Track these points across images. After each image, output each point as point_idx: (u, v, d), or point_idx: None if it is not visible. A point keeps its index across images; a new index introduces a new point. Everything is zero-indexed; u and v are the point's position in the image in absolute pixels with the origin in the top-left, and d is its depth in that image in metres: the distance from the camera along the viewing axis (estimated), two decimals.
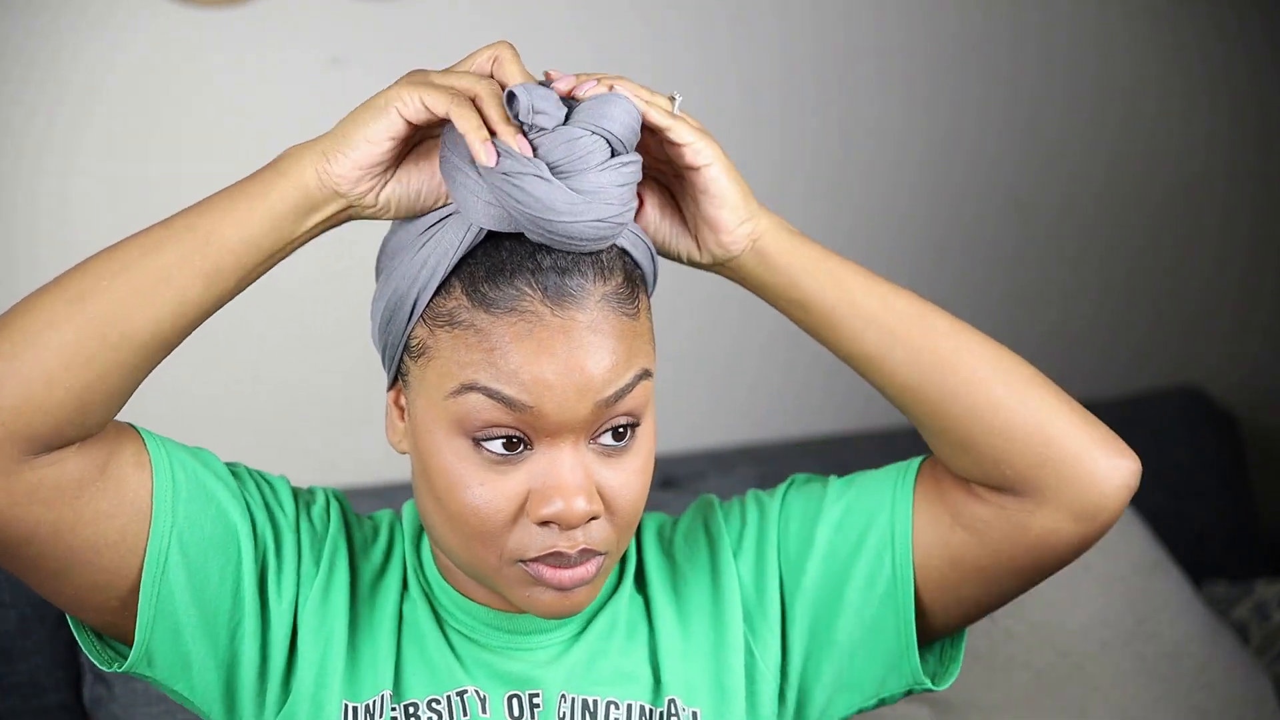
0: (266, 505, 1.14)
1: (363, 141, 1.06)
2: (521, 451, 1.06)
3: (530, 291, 1.04)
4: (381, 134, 1.06)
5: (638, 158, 1.06)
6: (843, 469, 2.24)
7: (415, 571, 1.18)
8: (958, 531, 1.13)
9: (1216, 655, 2.02)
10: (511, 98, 1.05)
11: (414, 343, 1.09)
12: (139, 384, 1.06)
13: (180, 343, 1.07)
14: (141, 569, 1.07)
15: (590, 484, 1.06)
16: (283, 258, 1.09)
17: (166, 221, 1.06)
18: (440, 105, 1.05)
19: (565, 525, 1.06)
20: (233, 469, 1.14)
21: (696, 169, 1.10)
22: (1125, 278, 2.62)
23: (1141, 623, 2.03)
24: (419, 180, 1.09)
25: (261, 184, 1.06)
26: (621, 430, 1.07)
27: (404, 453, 1.14)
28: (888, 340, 1.12)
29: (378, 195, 1.08)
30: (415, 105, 1.05)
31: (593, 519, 1.07)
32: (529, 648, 1.15)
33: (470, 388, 1.05)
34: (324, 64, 2.11)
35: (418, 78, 1.07)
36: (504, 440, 1.06)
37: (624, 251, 1.09)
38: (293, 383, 2.16)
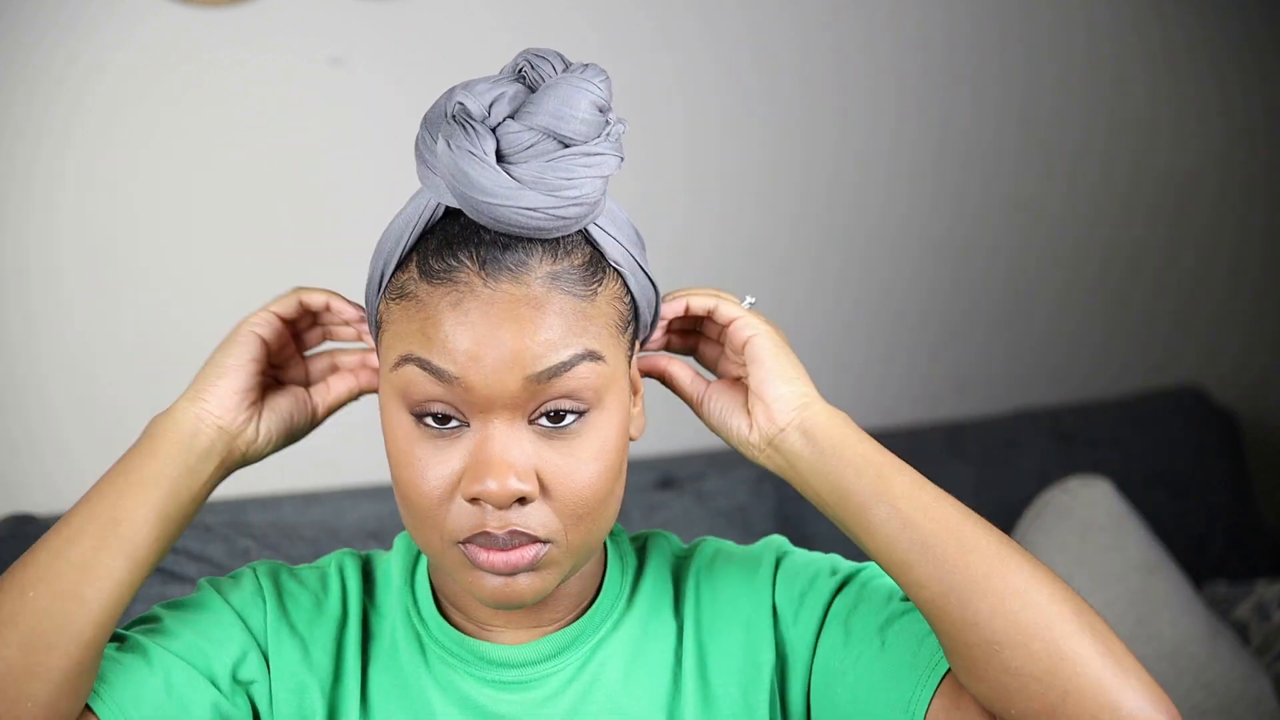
0: (212, 643, 1.12)
1: (229, 370, 1.12)
2: (458, 427, 1.05)
3: (469, 263, 1.04)
4: (243, 356, 1.13)
5: (604, 150, 1.05)
6: None
7: (407, 610, 1.16)
8: None
9: (1216, 655, 2.02)
10: (462, 108, 1.05)
11: (380, 318, 1.09)
12: (96, 673, 1.06)
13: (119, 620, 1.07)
14: None
15: (525, 464, 1.04)
16: (191, 517, 1.11)
17: (67, 519, 1.07)
18: (289, 305, 1.14)
19: (492, 503, 1.04)
20: (156, 636, 1.11)
21: (745, 340, 1.12)
22: (1125, 278, 2.62)
23: (1141, 623, 2.03)
24: (287, 403, 1.16)
25: (145, 454, 1.09)
26: (561, 414, 1.05)
27: None
28: (919, 549, 1.05)
29: (257, 427, 1.13)
30: (265, 317, 1.14)
31: (522, 500, 1.04)
32: (525, 681, 1.13)
33: (407, 359, 1.05)
34: (324, 64, 2.11)
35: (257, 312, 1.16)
36: (441, 415, 1.05)
37: (592, 242, 1.07)
38: None
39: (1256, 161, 2.66)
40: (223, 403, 1.11)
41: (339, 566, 1.19)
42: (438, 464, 1.05)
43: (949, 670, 1.07)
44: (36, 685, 1.01)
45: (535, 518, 1.05)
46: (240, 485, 2.01)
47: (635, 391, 1.15)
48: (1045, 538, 2.10)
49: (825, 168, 2.40)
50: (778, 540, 1.19)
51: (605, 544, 1.18)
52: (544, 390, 1.04)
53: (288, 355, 1.17)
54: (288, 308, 1.14)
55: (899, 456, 1.11)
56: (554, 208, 1.03)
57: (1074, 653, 1.00)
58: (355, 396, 1.18)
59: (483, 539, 1.05)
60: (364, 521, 1.98)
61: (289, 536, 1.90)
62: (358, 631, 1.15)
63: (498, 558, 1.05)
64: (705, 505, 2.08)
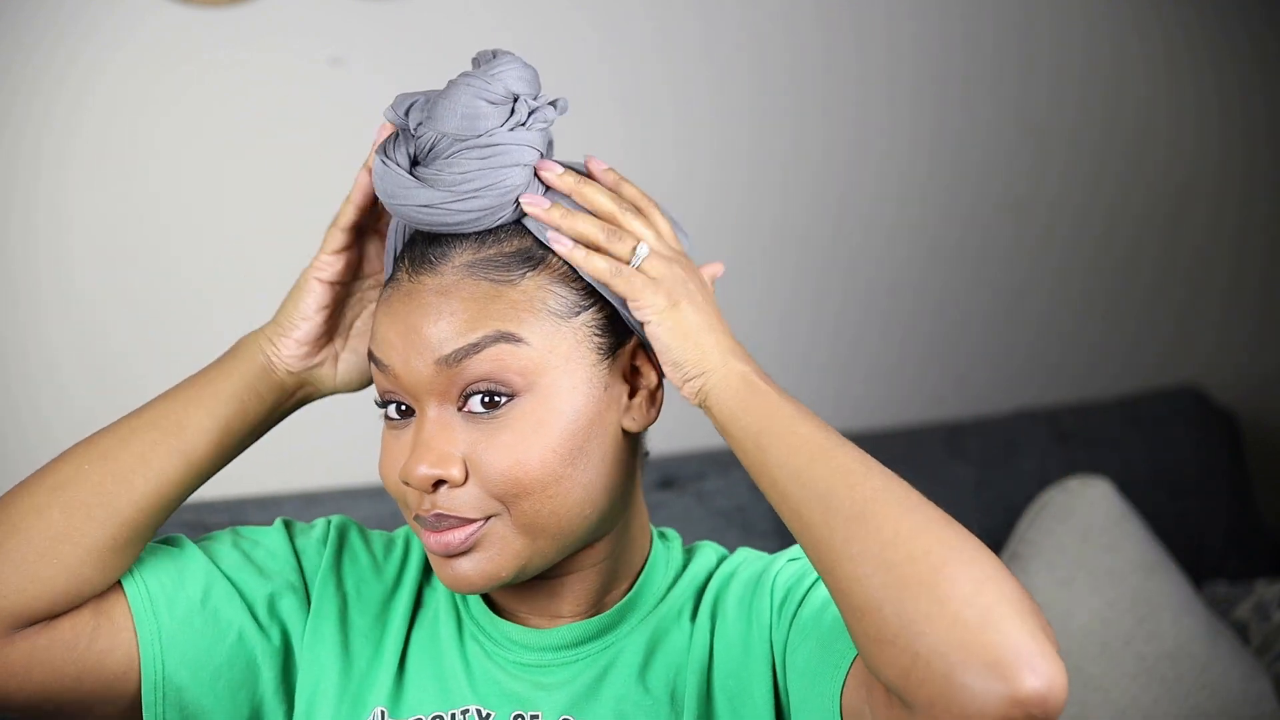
0: (262, 573, 1.17)
1: (299, 320, 1.16)
2: (409, 417, 1.10)
3: (406, 264, 1.11)
4: (311, 308, 1.16)
5: (506, 140, 1.08)
6: None
7: None
8: (868, 712, 1.03)
9: (1216, 655, 2.02)
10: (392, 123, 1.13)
11: None
12: (132, 559, 1.12)
13: (167, 517, 1.13)
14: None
15: (446, 449, 1.07)
16: (259, 436, 1.18)
17: (139, 412, 1.14)
18: (336, 239, 1.16)
19: (415, 487, 1.08)
20: (209, 550, 1.17)
21: (642, 324, 1.11)
22: (1125, 278, 2.62)
23: (1141, 623, 2.03)
24: (362, 340, 1.19)
25: (222, 371, 1.16)
26: (492, 399, 1.07)
27: None
28: (795, 522, 1.03)
29: (335, 370, 1.18)
30: (323, 260, 1.16)
31: (441, 483, 1.08)
32: (542, 665, 1.15)
33: (367, 356, 1.13)
34: (324, 64, 2.11)
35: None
36: (400, 407, 1.10)
37: (528, 230, 1.11)
38: None
39: (1257, 161, 2.66)
40: (294, 353, 1.15)
41: (406, 537, 1.24)
42: (395, 452, 1.10)
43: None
44: (67, 548, 1.08)
45: (462, 499, 1.08)
46: (240, 485, 2.01)
47: (636, 383, 1.15)
48: (1045, 538, 2.10)
49: (824, 167, 2.40)
50: (794, 549, 1.18)
51: (654, 545, 1.20)
52: (458, 374, 1.07)
53: (372, 268, 1.20)
54: (339, 242, 1.17)
55: (898, 455, 1.09)
56: (448, 202, 1.08)
57: (924, 613, 0.95)
58: None
59: (418, 521, 1.10)
60: (364, 521, 1.97)
61: None
62: (409, 599, 1.19)
63: (432, 539, 1.09)
64: (705, 505, 2.08)
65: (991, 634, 0.93)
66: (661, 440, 2.08)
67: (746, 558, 1.20)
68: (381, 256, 1.20)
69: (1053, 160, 2.55)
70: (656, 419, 1.16)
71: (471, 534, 1.08)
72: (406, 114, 1.11)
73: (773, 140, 2.37)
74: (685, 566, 1.20)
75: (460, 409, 1.08)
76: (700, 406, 1.11)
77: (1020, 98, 2.51)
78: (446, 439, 1.07)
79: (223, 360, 1.16)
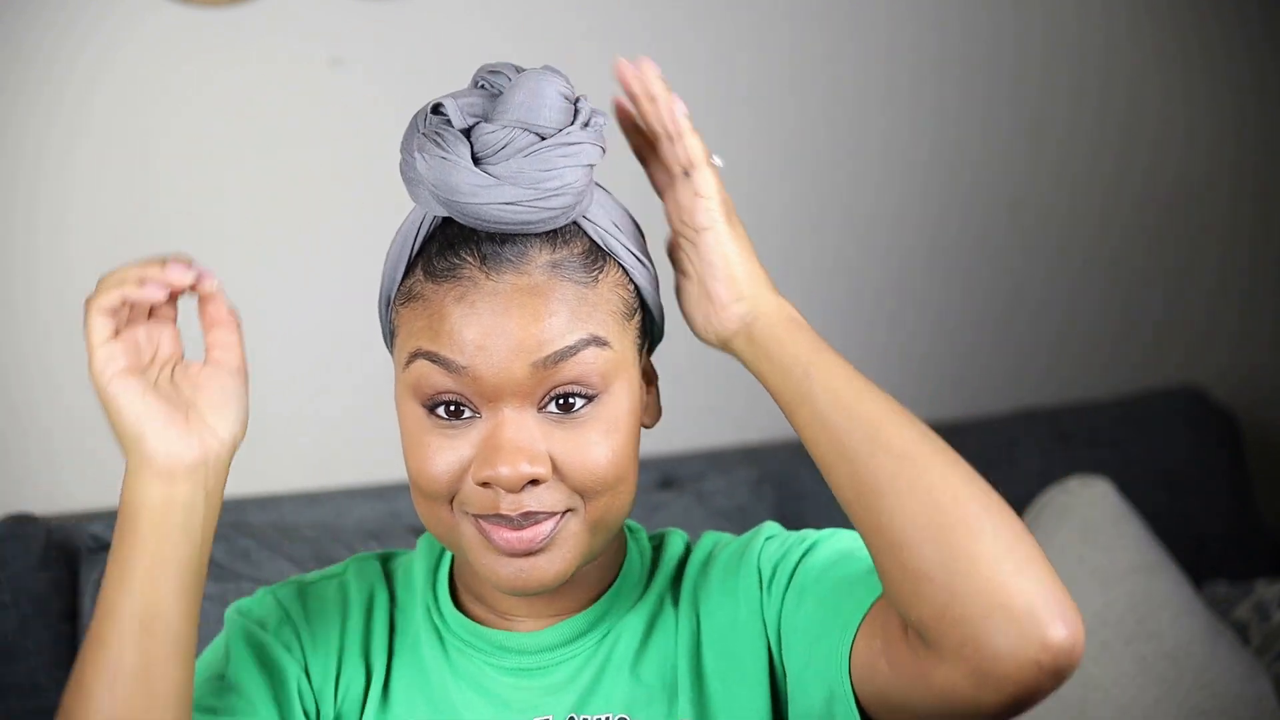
0: (277, 674, 1.15)
1: (138, 426, 1.05)
2: (469, 417, 1.08)
3: (471, 260, 1.07)
4: (136, 407, 1.05)
5: (581, 139, 1.08)
6: None
7: (428, 607, 1.18)
8: (883, 663, 1.05)
9: (1216, 655, 2.02)
10: (439, 108, 1.09)
11: (392, 326, 1.12)
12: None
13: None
14: None
15: (536, 448, 1.07)
16: (209, 548, 1.08)
17: (110, 618, 1.04)
18: (101, 328, 1.05)
19: (504, 488, 1.06)
20: (239, 688, 1.13)
21: (699, 230, 1.13)
22: (1126, 279, 2.62)
23: (1141, 623, 2.03)
24: (216, 394, 1.08)
25: (130, 539, 1.04)
26: (568, 401, 1.07)
27: None
28: (836, 454, 1.06)
29: (216, 437, 1.07)
30: (100, 357, 1.05)
31: (534, 482, 1.07)
32: (541, 667, 1.15)
33: (416, 354, 1.08)
34: (324, 64, 2.11)
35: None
36: (451, 407, 1.08)
37: (587, 234, 1.10)
38: (293, 384, 2.16)
39: (1257, 161, 2.66)
40: (169, 449, 1.05)
41: (357, 573, 1.20)
42: (449, 450, 1.08)
43: (878, 597, 1.07)
44: None
45: (548, 497, 1.07)
46: (240, 485, 2.01)
47: (650, 381, 1.17)
48: (1045, 538, 2.10)
49: (824, 167, 2.40)
50: (769, 527, 1.20)
51: (626, 539, 1.20)
52: (551, 376, 1.06)
53: (155, 334, 1.10)
54: (105, 330, 1.06)
55: None
56: (535, 200, 1.06)
57: (966, 553, 0.99)
58: (236, 320, 1.14)
59: (496, 519, 1.07)
60: (364, 521, 1.98)
61: (289, 536, 1.90)
62: (384, 629, 1.17)
63: (513, 537, 1.07)
64: (705, 505, 2.08)
65: (1029, 582, 0.99)
66: (661, 440, 2.08)
67: (718, 540, 1.21)
68: (155, 335, 1.09)
69: (1053, 160, 2.55)
70: (661, 415, 1.18)
71: (554, 528, 1.08)
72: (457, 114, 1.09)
73: (770, 141, 2.37)
74: (657, 554, 1.21)
75: (540, 409, 1.08)
76: (737, 331, 1.13)
77: (1021, 97, 2.51)
78: (532, 438, 1.07)
79: (124, 531, 1.05)
